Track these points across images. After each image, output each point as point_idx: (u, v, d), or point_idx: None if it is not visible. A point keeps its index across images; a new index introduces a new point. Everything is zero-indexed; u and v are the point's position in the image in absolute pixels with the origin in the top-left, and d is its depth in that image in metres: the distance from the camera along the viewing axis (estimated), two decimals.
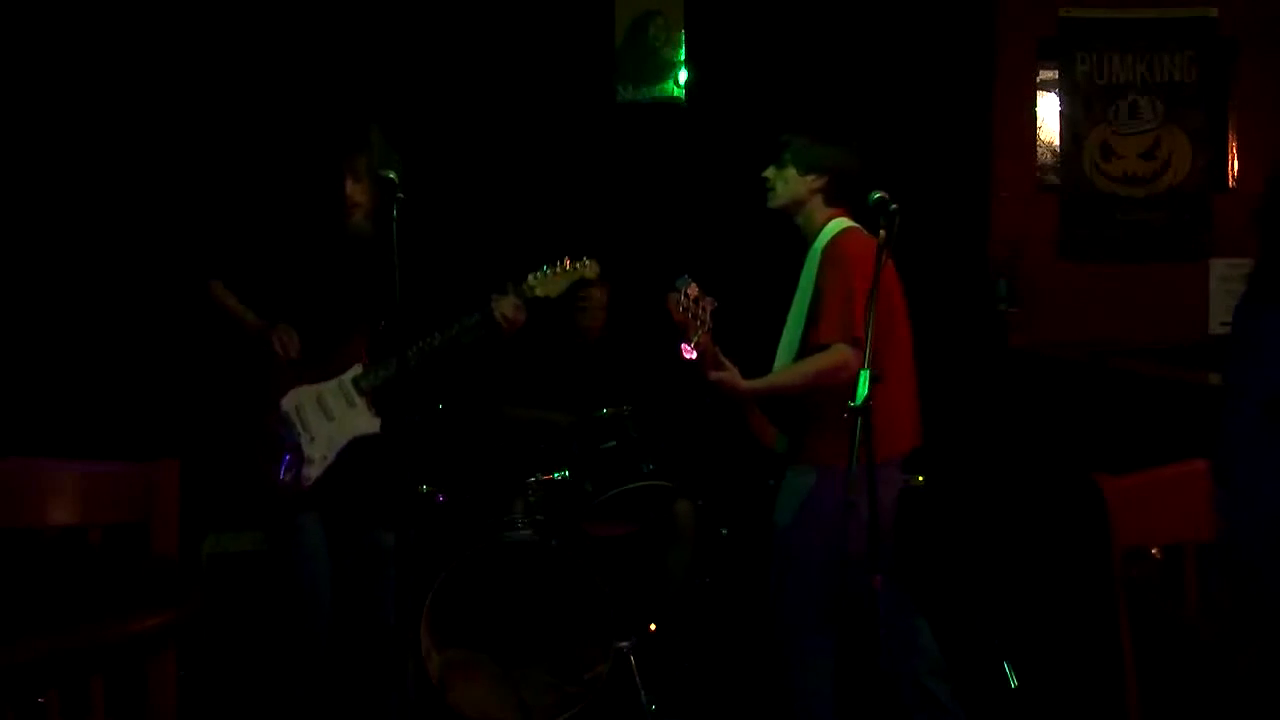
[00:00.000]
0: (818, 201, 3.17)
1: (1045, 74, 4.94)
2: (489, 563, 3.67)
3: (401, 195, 2.68)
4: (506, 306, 3.06)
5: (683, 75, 4.77)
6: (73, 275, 4.33)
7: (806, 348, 3.05)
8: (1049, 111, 4.95)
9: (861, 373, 2.49)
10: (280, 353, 2.98)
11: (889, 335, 3.01)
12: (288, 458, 2.95)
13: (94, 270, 4.34)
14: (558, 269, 3.19)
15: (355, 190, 3.03)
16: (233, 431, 3.07)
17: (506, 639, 3.72)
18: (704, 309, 3.03)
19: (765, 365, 4.50)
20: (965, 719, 3.17)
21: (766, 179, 3.20)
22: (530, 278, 3.16)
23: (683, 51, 4.77)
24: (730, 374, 3.01)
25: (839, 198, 3.18)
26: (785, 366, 3.09)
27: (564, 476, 3.92)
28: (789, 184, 3.16)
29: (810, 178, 3.15)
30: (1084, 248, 4.93)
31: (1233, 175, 4.96)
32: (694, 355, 3.02)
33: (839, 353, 2.94)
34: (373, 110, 3.23)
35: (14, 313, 4.25)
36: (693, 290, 3.04)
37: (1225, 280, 4.91)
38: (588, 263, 3.25)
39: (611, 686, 3.64)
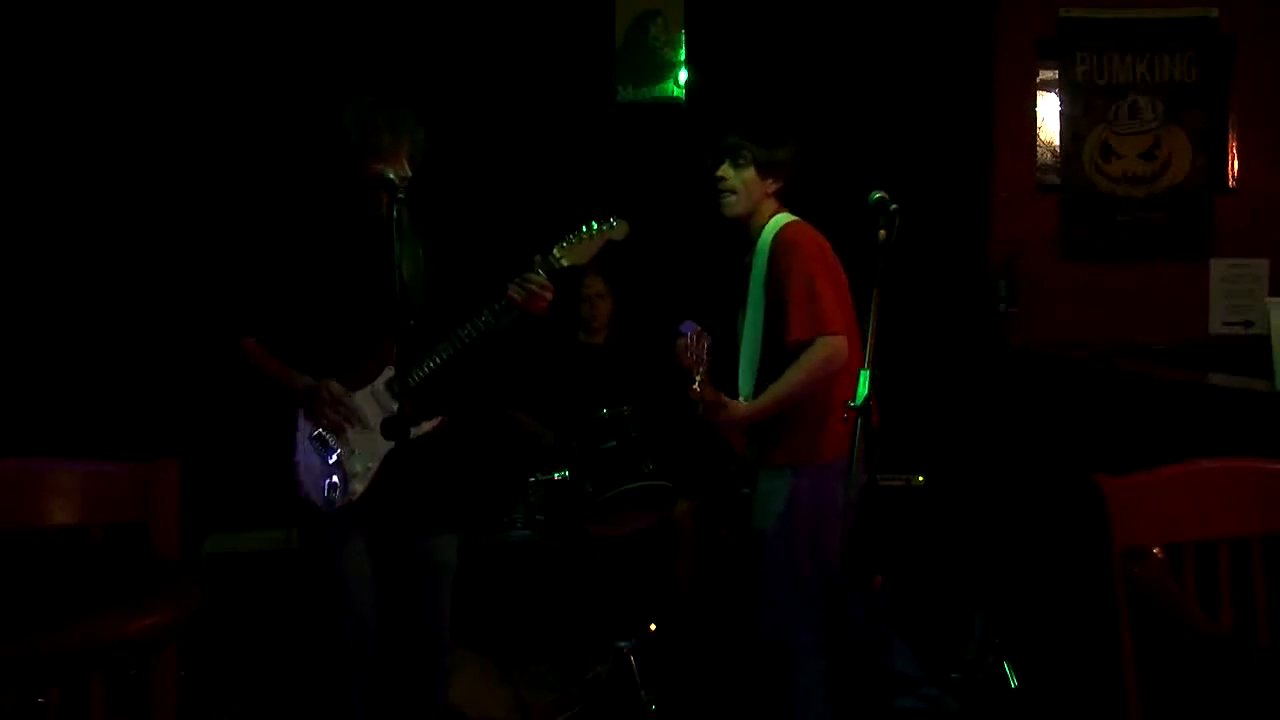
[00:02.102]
0: (770, 202, 3.15)
1: (1045, 74, 4.94)
2: (489, 563, 3.68)
3: (402, 195, 2.65)
4: (531, 285, 2.85)
5: (683, 75, 4.77)
6: (73, 276, 4.33)
7: (780, 349, 3.03)
8: (1049, 111, 4.95)
9: (861, 372, 2.50)
10: (332, 419, 2.80)
11: (853, 330, 3.01)
12: (331, 478, 2.79)
13: (94, 271, 4.34)
14: (584, 234, 2.96)
15: (383, 169, 2.75)
16: (269, 447, 2.88)
17: (506, 639, 3.72)
18: (703, 346, 2.97)
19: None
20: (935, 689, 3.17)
21: (722, 179, 3.10)
22: (556, 249, 2.92)
23: (683, 51, 4.77)
24: (729, 409, 2.99)
25: (784, 196, 3.17)
26: (777, 380, 3.02)
27: (564, 476, 3.92)
28: (749, 187, 3.09)
29: (769, 181, 3.11)
30: (1084, 248, 4.93)
31: (1233, 175, 4.96)
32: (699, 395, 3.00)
33: (823, 346, 2.93)
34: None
35: (14, 313, 4.25)
36: (695, 332, 2.98)
37: (1225, 280, 4.91)
38: (615, 224, 3.01)
39: (611, 686, 3.64)
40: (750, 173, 3.08)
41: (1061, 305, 4.88)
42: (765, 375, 3.06)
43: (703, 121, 4.77)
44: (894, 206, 2.65)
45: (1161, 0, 4.90)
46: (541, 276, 2.86)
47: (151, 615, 1.58)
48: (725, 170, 3.10)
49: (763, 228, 3.11)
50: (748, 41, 4.76)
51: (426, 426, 2.83)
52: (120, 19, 4.38)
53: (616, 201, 4.61)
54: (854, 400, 2.47)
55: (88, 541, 1.96)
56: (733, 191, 3.10)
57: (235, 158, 4.39)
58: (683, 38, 4.77)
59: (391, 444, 2.76)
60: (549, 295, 2.86)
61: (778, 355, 3.03)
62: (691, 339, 2.97)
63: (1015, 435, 4.50)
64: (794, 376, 2.97)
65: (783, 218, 3.12)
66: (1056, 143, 4.94)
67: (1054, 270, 4.90)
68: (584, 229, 2.96)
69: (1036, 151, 4.96)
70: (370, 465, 2.81)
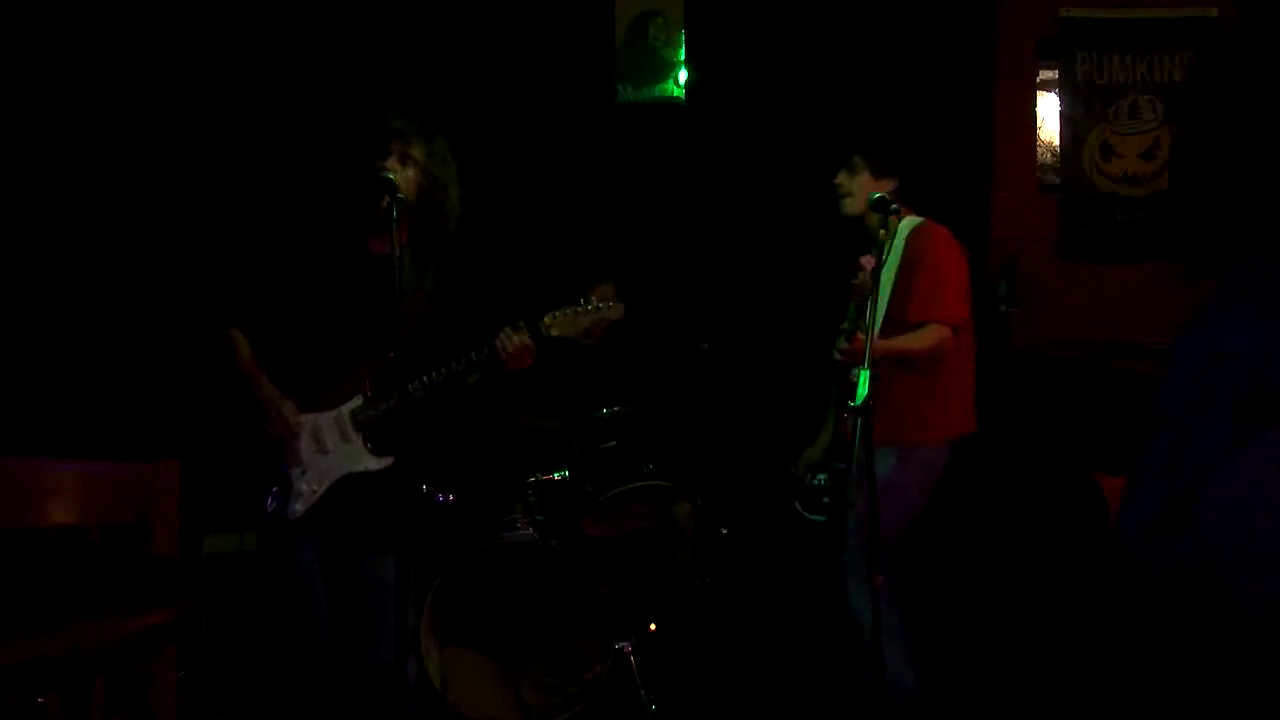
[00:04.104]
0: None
1: (1045, 74, 4.93)
2: (489, 563, 3.68)
3: (402, 197, 2.64)
4: (512, 344, 2.79)
5: (683, 75, 4.77)
6: (73, 276, 4.33)
7: (898, 326, 3.21)
8: (1049, 111, 4.94)
9: (861, 373, 2.50)
10: (271, 433, 2.80)
11: (968, 326, 3.31)
12: (275, 489, 2.80)
13: (94, 270, 4.34)
14: (579, 309, 2.90)
15: (397, 176, 2.74)
16: (235, 452, 2.91)
17: (506, 639, 3.72)
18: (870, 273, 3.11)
19: (772, 356, 4.55)
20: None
21: (839, 185, 3.35)
22: (547, 317, 2.86)
23: (683, 51, 4.77)
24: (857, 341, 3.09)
25: (906, 198, 3.32)
26: (899, 336, 3.22)
27: (564, 476, 3.93)
28: (864, 190, 3.31)
29: (883, 183, 3.31)
30: (1084, 248, 4.93)
31: None
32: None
33: (936, 331, 3.20)
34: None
35: (14, 313, 4.25)
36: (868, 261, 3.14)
37: None
38: (613, 304, 2.93)
39: (611, 686, 3.64)
40: (864, 177, 3.32)
41: (1061, 305, 4.87)
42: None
43: (703, 121, 4.78)
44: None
45: (1161, 0, 4.90)
46: (525, 336, 2.82)
47: (151, 615, 1.58)
48: (841, 177, 3.36)
49: (894, 230, 3.29)
50: (748, 41, 4.75)
51: (376, 465, 2.81)
52: (126, 16, 4.38)
53: (616, 201, 4.66)
54: (854, 400, 2.48)
55: (87, 541, 1.97)
56: (849, 195, 3.36)
57: (239, 157, 4.39)
58: (683, 38, 4.76)
59: (339, 474, 2.79)
60: (529, 360, 2.84)
61: (893, 335, 3.19)
62: (867, 268, 3.12)
63: (1015, 435, 4.50)
64: (904, 342, 3.19)
65: (916, 219, 3.33)
66: (1056, 143, 4.93)
67: (1054, 270, 4.90)
68: (581, 303, 2.91)
69: (1036, 151, 4.95)
70: (316, 488, 2.80)
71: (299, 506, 2.79)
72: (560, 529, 3.80)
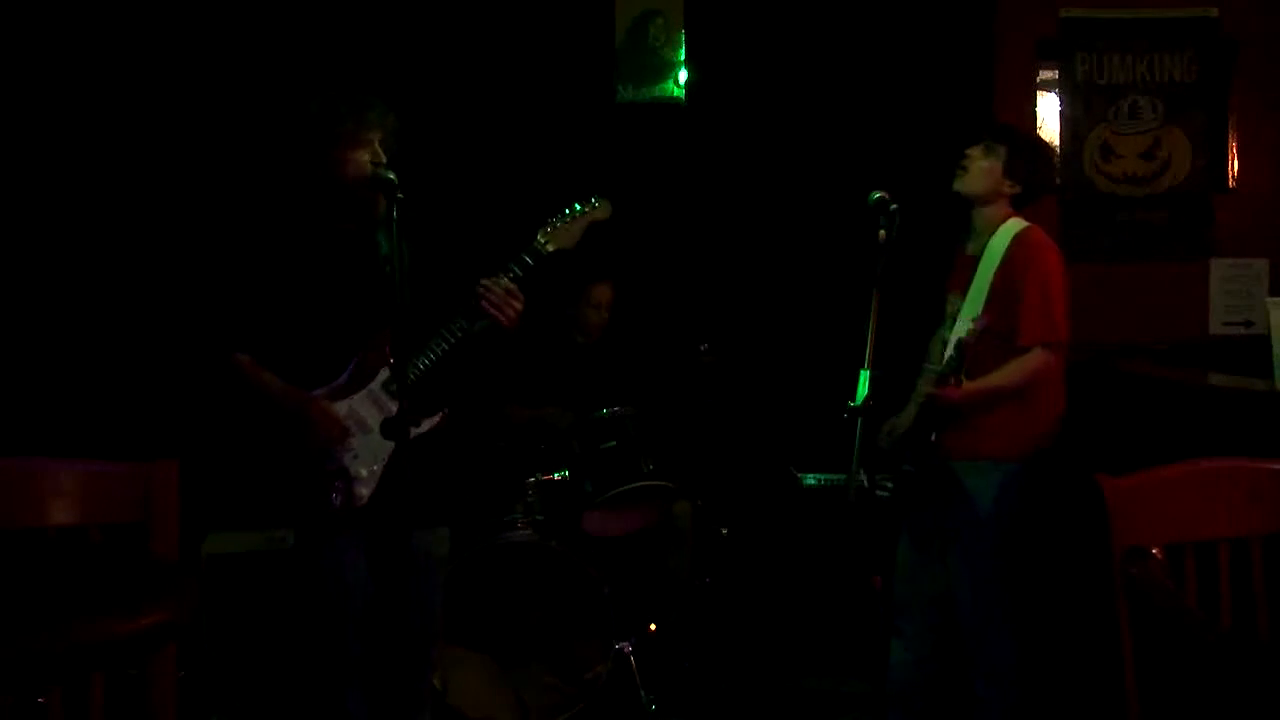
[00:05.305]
0: (1003, 203, 3.29)
1: (1045, 74, 4.94)
2: (489, 563, 3.68)
3: (402, 195, 2.64)
4: (495, 294, 2.77)
5: (683, 75, 4.77)
6: (73, 276, 4.33)
7: (1002, 342, 3.13)
8: (1049, 111, 4.95)
9: (861, 373, 2.51)
10: (322, 436, 2.76)
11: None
12: (337, 483, 2.75)
13: (94, 270, 4.34)
14: (567, 217, 2.91)
15: (354, 159, 2.75)
16: (266, 449, 2.84)
17: (506, 639, 3.72)
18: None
19: (772, 357, 4.51)
20: None
21: (967, 156, 3.28)
22: (540, 235, 2.86)
23: (683, 51, 4.77)
24: (951, 385, 3.05)
25: (1021, 206, 3.31)
26: (995, 373, 3.14)
27: (564, 476, 3.93)
28: (986, 175, 3.26)
29: (1008, 182, 3.25)
30: (1084, 248, 4.93)
31: (1233, 175, 4.96)
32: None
33: (1038, 357, 3.10)
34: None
35: (14, 313, 4.25)
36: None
37: (1225, 280, 4.91)
38: (597, 203, 2.95)
39: (611, 686, 3.64)
40: (994, 164, 3.24)
41: None
42: (974, 363, 3.13)
43: (703, 121, 4.78)
44: (894, 206, 2.68)
45: (1161, 0, 4.90)
46: (505, 281, 2.78)
47: (151, 614, 1.58)
48: (975, 150, 3.28)
49: (997, 224, 3.26)
50: (748, 41, 4.76)
51: (428, 424, 2.80)
52: (111, 28, 4.38)
53: (616, 202, 4.65)
54: (854, 400, 2.48)
55: (87, 541, 1.96)
56: (965, 170, 3.27)
57: (236, 161, 4.38)
58: (683, 38, 4.76)
59: (391, 447, 2.73)
60: (517, 305, 2.78)
61: (990, 345, 3.12)
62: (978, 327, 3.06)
63: None
64: (1012, 377, 3.12)
65: (1021, 222, 3.27)
66: (1056, 143, 4.93)
67: None
68: (566, 211, 2.92)
69: None
70: (375, 469, 2.78)
71: (364, 491, 2.77)
72: (560, 529, 3.80)
